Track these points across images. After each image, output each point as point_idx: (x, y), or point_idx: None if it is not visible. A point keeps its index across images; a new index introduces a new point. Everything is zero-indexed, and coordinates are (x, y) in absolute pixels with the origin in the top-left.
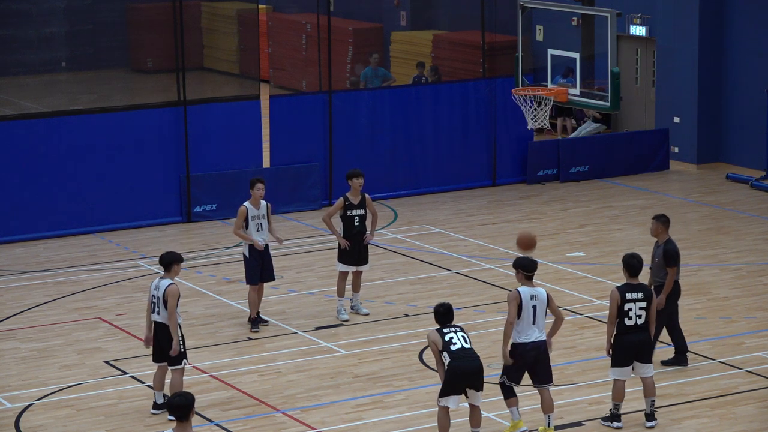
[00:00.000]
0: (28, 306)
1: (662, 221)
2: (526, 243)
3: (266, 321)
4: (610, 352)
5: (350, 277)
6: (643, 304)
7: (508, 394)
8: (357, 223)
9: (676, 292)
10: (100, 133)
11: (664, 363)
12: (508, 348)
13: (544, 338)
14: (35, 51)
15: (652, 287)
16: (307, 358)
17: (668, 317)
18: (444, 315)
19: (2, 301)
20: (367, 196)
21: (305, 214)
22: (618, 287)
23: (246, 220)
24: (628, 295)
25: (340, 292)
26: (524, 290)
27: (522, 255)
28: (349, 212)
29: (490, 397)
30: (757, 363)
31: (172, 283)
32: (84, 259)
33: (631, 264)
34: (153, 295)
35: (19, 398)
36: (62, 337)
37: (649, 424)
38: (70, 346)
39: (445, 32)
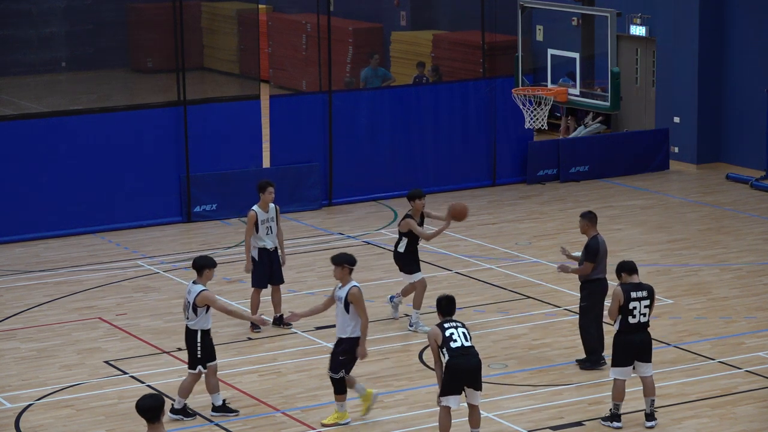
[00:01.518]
0: (28, 306)
1: (588, 218)
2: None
3: (289, 324)
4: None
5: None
6: (647, 302)
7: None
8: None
9: (601, 292)
10: (100, 133)
11: (579, 361)
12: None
13: None
14: (35, 51)
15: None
16: (307, 358)
17: (597, 318)
18: (446, 306)
19: (2, 301)
20: (425, 210)
21: (305, 214)
22: (621, 285)
23: (256, 224)
24: (633, 294)
25: (418, 304)
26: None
27: (344, 254)
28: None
29: (490, 396)
30: (757, 363)
31: (204, 290)
32: (84, 259)
33: (629, 264)
34: (186, 299)
35: (19, 398)
36: (62, 337)
37: (649, 424)
38: (70, 346)
39: (445, 32)
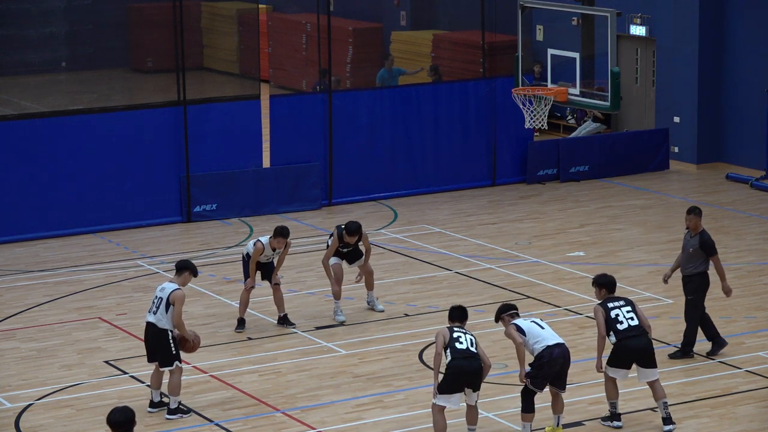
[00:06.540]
0: (28, 306)
1: (698, 213)
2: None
3: (293, 323)
4: (601, 368)
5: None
6: (628, 308)
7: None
8: (346, 251)
9: (705, 285)
10: (100, 133)
11: (708, 354)
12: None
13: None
14: (35, 51)
15: (683, 276)
16: (307, 358)
17: (701, 312)
18: (454, 311)
19: (2, 301)
20: (364, 233)
21: (305, 214)
22: (599, 303)
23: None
24: (611, 304)
25: (336, 295)
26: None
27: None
28: (341, 250)
29: (490, 396)
30: (757, 363)
31: (178, 289)
32: (84, 259)
33: (611, 281)
34: (156, 295)
35: (19, 398)
36: (62, 337)
37: (667, 428)
38: (70, 346)
39: (445, 32)
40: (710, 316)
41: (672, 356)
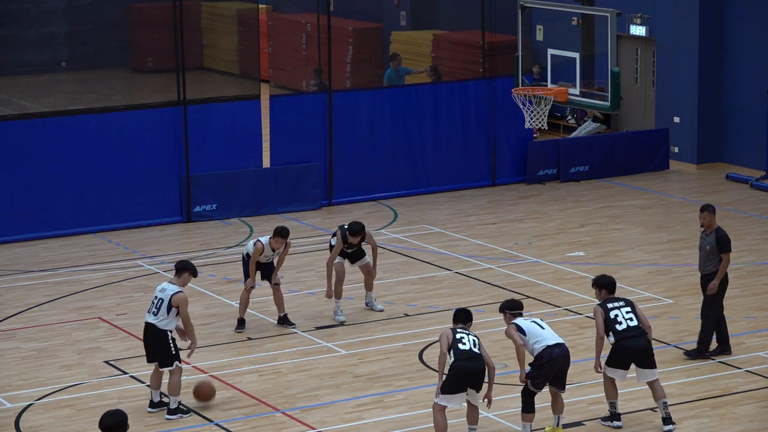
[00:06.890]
0: (28, 306)
1: (712, 211)
2: (205, 394)
3: (293, 323)
4: (600, 368)
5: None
6: (628, 309)
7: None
8: (350, 251)
9: (724, 283)
10: (100, 133)
11: (710, 354)
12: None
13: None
14: (35, 51)
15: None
16: (307, 358)
17: (719, 311)
18: (458, 313)
19: (2, 301)
20: (367, 232)
21: (305, 214)
22: (599, 304)
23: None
24: (610, 305)
25: (338, 295)
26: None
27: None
28: (345, 250)
29: None
30: (757, 363)
31: (180, 291)
32: (84, 259)
33: (611, 282)
34: (156, 296)
35: (19, 398)
36: (62, 337)
37: (667, 428)
38: (70, 346)
39: (445, 32)
40: (726, 319)
41: (687, 354)
